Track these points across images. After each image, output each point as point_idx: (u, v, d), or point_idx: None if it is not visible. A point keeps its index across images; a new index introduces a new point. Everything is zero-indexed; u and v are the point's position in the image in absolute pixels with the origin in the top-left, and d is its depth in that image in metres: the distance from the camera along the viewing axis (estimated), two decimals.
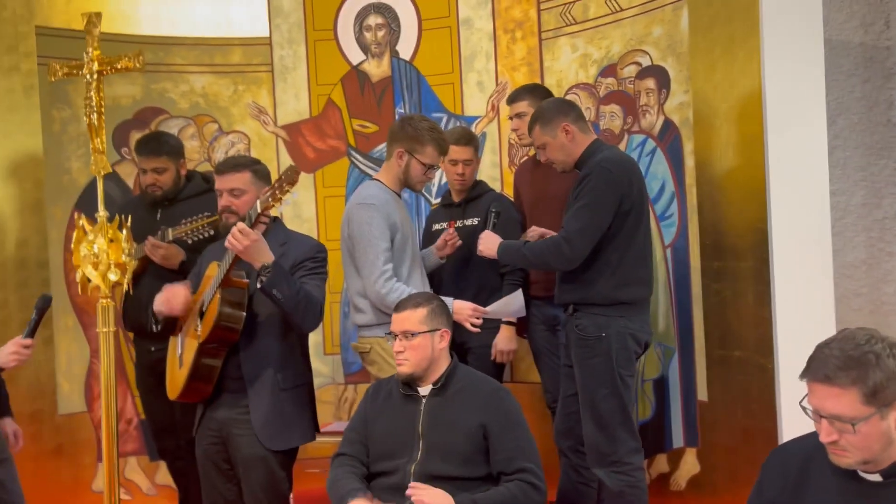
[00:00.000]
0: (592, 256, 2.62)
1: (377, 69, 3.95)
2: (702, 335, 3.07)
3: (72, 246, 1.89)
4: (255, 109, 3.97)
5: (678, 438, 3.22)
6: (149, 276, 3.00)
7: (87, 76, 1.86)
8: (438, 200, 3.62)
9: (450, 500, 2.07)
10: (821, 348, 1.52)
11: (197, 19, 3.93)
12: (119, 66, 1.91)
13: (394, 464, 2.22)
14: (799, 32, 2.71)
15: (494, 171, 3.79)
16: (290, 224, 3.94)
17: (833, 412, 1.47)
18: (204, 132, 3.94)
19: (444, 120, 3.87)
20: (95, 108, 1.85)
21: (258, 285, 2.34)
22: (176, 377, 2.57)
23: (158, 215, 3.14)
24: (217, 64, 3.95)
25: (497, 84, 3.76)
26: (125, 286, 1.96)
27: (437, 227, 3.31)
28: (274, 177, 2.51)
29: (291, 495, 2.69)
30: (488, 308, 2.71)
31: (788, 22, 2.71)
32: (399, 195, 2.84)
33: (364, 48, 3.96)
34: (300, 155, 4.00)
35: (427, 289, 2.84)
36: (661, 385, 3.28)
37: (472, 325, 2.66)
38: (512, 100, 3.26)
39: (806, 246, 2.71)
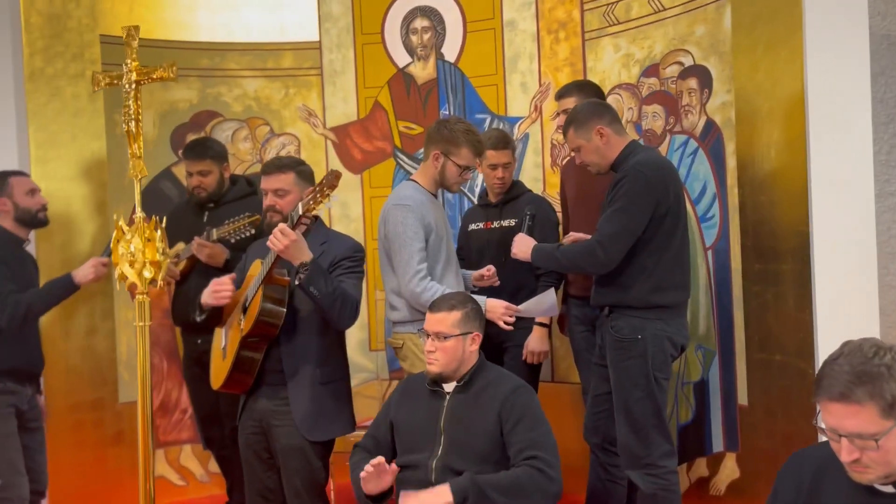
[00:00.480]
0: (628, 260, 2.60)
1: (423, 71, 4.02)
2: (742, 338, 3.03)
3: (110, 245, 2.01)
4: (305, 112, 4.09)
5: (718, 443, 3.18)
6: (196, 273, 3.20)
7: (126, 86, 1.97)
8: None
9: (443, 489, 2.11)
10: (829, 365, 1.47)
11: (251, 25, 4.08)
12: (155, 76, 2.02)
13: (417, 458, 2.28)
14: (843, 29, 2.64)
15: (537, 172, 3.80)
16: (338, 223, 4.09)
17: (853, 430, 1.43)
18: (256, 134, 4.09)
19: (488, 121, 3.90)
20: (133, 116, 1.96)
21: (296, 282, 2.43)
22: (219, 368, 2.69)
23: (205, 217, 3.33)
24: (269, 68, 4.08)
25: (540, 85, 3.78)
26: (160, 282, 2.06)
27: (472, 226, 3.35)
28: (318, 178, 2.58)
29: (331, 486, 2.78)
30: (521, 306, 2.73)
31: (832, 19, 2.65)
32: (435, 196, 2.89)
33: (410, 51, 4.03)
34: (348, 156, 4.11)
35: (461, 288, 2.88)
36: (701, 388, 3.25)
37: (505, 322, 2.68)
38: (560, 96, 3.20)
39: (848, 249, 2.64)
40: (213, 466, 3.79)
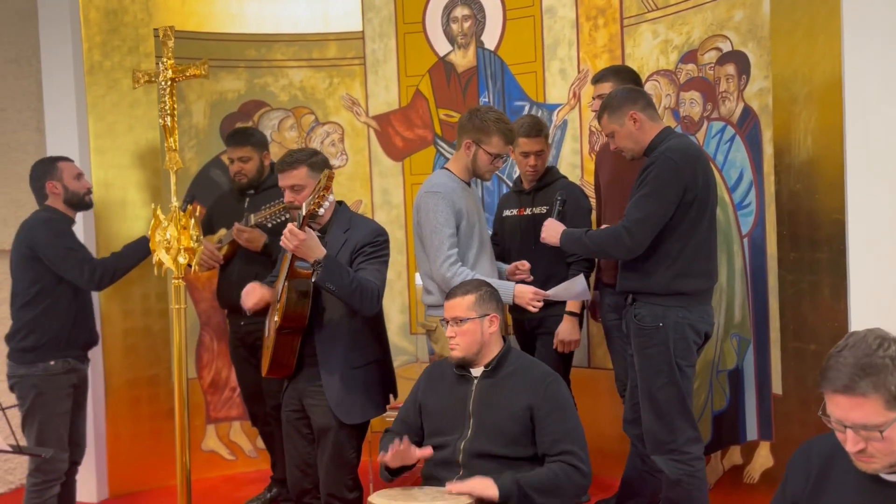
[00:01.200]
0: (653, 246, 2.61)
1: (463, 60, 4.07)
2: (777, 327, 3.00)
3: (148, 233, 2.13)
4: (348, 101, 4.19)
5: (752, 431, 3.17)
6: (238, 258, 3.36)
7: (162, 83, 2.09)
8: None
9: (489, 483, 2.17)
10: (833, 357, 1.49)
11: (297, 16, 4.20)
12: (188, 74, 2.12)
13: (445, 439, 2.36)
14: (882, 12, 2.57)
15: (575, 159, 3.81)
16: (380, 210, 4.19)
17: (859, 422, 1.45)
18: (302, 123, 4.21)
19: (526, 108, 3.93)
20: (169, 112, 2.07)
21: (312, 279, 2.52)
22: (265, 357, 2.83)
23: (246, 202, 3.48)
24: (314, 58, 4.20)
25: (579, 72, 3.78)
26: (195, 268, 2.19)
27: (507, 213, 3.40)
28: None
29: (369, 465, 2.88)
30: (549, 291, 2.76)
31: (871, 2, 2.59)
32: (469, 184, 2.94)
33: (451, 39, 4.08)
34: (389, 144, 4.19)
35: (495, 274, 2.93)
36: (735, 376, 3.23)
37: (533, 307, 2.73)
38: (596, 80, 3.19)
39: (884, 238, 2.59)
40: (261, 442, 3.95)
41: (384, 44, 4.16)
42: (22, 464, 4.05)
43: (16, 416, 3.97)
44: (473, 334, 2.35)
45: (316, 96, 4.21)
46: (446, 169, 2.94)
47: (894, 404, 1.44)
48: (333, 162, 4.21)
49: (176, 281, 2.10)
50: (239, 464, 4.14)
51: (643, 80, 3.48)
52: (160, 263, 2.13)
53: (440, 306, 2.83)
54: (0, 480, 4.19)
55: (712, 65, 3.27)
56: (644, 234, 2.59)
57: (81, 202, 3.21)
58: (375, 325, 2.83)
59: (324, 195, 2.44)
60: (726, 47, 3.21)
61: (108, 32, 3.82)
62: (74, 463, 3.23)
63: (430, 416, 2.44)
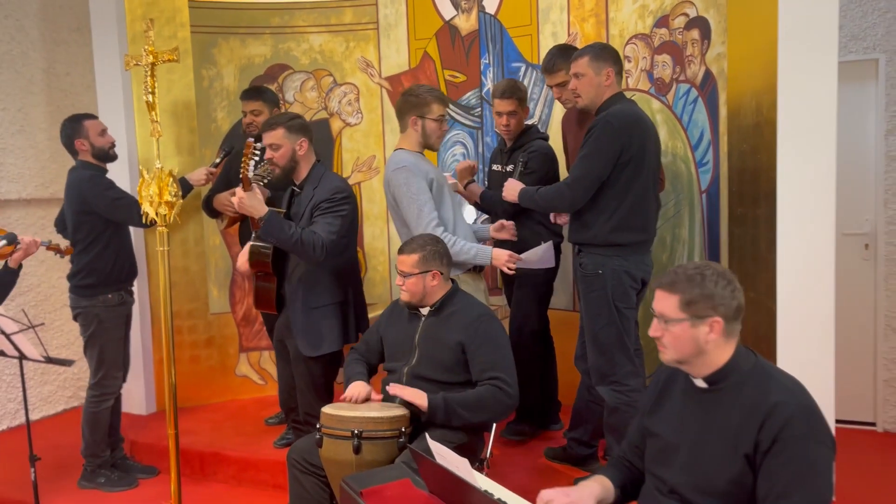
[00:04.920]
0: (594, 202, 2.90)
1: (466, 23, 4.34)
2: None
3: (138, 189, 2.56)
4: (363, 63, 4.55)
5: None
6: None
7: (145, 67, 2.49)
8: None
9: (423, 395, 2.57)
10: (673, 268, 1.85)
11: None
12: (164, 59, 2.51)
13: (395, 365, 2.77)
14: None
15: None
16: None
17: (659, 311, 1.83)
18: (321, 84, 4.60)
19: (522, 69, 4.19)
20: (150, 90, 2.46)
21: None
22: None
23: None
24: (332, 24, 4.55)
25: (569, 35, 4.00)
26: (174, 217, 2.59)
27: (494, 167, 3.70)
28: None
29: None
30: (522, 255, 3.09)
31: None
32: (422, 156, 3.23)
33: (455, 4, 4.36)
34: None
35: (470, 233, 3.19)
36: None
37: (509, 269, 3.05)
38: (549, 70, 3.39)
39: (809, 195, 2.79)
40: None
41: (395, 9, 4.48)
42: (83, 387, 4.74)
43: (45, 332, 4.62)
44: (416, 286, 2.72)
45: (334, 59, 4.58)
46: (400, 148, 3.17)
47: (685, 309, 1.77)
48: (350, 120, 4.61)
49: (161, 228, 2.54)
50: (268, 388, 4.68)
51: (623, 44, 3.70)
52: (145, 214, 2.58)
53: None
54: (74, 396, 4.91)
55: (681, 29, 3.46)
56: (583, 190, 2.88)
57: (107, 156, 3.59)
58: (339, 272, 3.13)
59: (246, 161, 2.82)
60: (693, 13, 3.39)
61: (148, 5, 4.28)
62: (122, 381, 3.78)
63: (387, 345, 2.86)
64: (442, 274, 2.75)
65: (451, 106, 4.42)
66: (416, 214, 3.00)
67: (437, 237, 2.84)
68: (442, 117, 3.11)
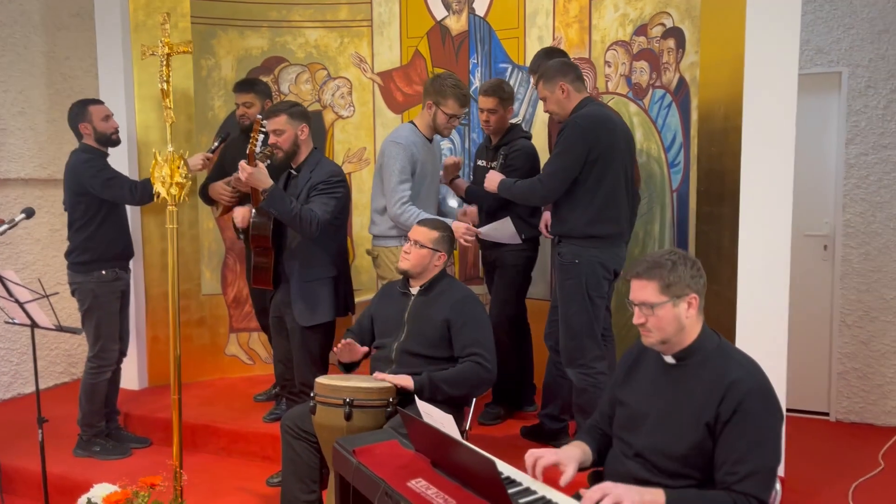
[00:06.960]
0: (569, 198, 3.13)
1: (456, 24, 4.55)
2: None
3: (150, 171, 2.74)
4: (356, 59, 4.74)
5: None
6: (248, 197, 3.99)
7: (161, 58, 2.67)
8: None
9: (408, 378, 2.76)
10: (642, 258, 2.05)
11: None
12: (178, 51, 2.69)
13: (385, 341, 2.98)
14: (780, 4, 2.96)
15: (547, 117, 4.28)
16: None
17: (640, 299, 2.01)
18: (316, 77, 4.79)
19: (509, 69, 4.41)
20: (165, 79, 2.64)
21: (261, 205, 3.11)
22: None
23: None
24: (328, 20, 4.74)
25: (554, 39, 4.23)
26: (184, 197, 2.76)
27: (479, 162, 3.92)
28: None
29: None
30: (481, 230, 3.33)
31: None
32: (430, 140, 3.48)
33: (447, 5, 4.56)
34: (391, 98, 4.74)
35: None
36: None
37: (465, 241, 3.27)
38: (535, 71, 3.56)
39: (769, 197, 3.03)
40: None
41: (389, 8, 4.67)
42: (82, 359, 4.87)
43: (57, 303, 4.75)
44: (423, 259, 2.95)
45: (328, 54, 4.76)
46: (412, 123, 3.46)
47: (666, 291, 1.98)
48: (342, 112, 4.80)
49: (171, 207, 2.73)
50: (256, 368, 4.87)
51: (604, 50, 3.93)
52: (157, 194, 2.76)
53: (383, 237, 3.42)
54: (65, 372, 5.06)
55: (658, 38, 3.70)
56: (554, 185, 3.11)
57: (109, 140, 3.73)
58: (332, 250, 3.32)
59: (254, 137, 3.02)
60: (669, 23, 3.63)
61: None
62: (121, 354, 3.93)
63: (378, 323, 3.07)
64: (445, 259, 2.98)
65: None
66: (392, 188, 3.28)
67: (449, 227, 3.09)
68: (455, 116, 3.33)
